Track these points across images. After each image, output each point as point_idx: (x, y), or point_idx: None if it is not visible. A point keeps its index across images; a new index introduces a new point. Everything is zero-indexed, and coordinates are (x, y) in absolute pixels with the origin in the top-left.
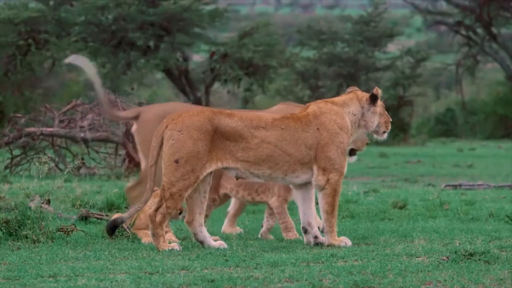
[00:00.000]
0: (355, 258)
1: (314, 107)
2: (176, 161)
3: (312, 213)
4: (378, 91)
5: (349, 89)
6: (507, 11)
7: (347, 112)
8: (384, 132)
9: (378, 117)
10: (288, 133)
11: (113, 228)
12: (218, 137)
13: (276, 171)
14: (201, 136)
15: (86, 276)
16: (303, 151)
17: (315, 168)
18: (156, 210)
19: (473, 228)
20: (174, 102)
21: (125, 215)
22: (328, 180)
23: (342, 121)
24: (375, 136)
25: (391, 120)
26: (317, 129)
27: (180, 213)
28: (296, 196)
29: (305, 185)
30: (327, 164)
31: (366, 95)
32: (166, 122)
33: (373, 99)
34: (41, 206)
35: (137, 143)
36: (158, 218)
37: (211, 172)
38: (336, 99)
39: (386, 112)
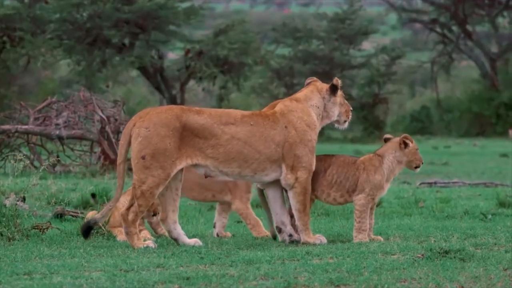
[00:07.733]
0: (330, 256)
1: (281, 105)
2: (143, 157)
3: (284, 211)
4: (338, 81)
5: (308, 80)
6: (482, 9)
7: (311, 106)
8: (345, 121)
9: (338, 107)
10: (257, 130)
11: (87, 230)
12: (187, 134)
13: (246, 169)
14: (169, 133)
15: (61, 274)
16: (272, 148)
17: (283, 166)
18: (128, 208)
19: (448, 225)
20: None
21: (97, 215)
22: (297, 178)
23: (309, 118)
24: (336, 125)
25: (351, 109)
26: (285, 127)
27: (154, 215)
28: (267, 195)
29: (275, 184)
30: (295, 162)
31: (325, 86)
32: (134, 120)
33: (333, 89)
34: (16, 204)
35: None
36: (131, 216)
37: (182, 170)
38: (298, 95)
39: (346, 102)
